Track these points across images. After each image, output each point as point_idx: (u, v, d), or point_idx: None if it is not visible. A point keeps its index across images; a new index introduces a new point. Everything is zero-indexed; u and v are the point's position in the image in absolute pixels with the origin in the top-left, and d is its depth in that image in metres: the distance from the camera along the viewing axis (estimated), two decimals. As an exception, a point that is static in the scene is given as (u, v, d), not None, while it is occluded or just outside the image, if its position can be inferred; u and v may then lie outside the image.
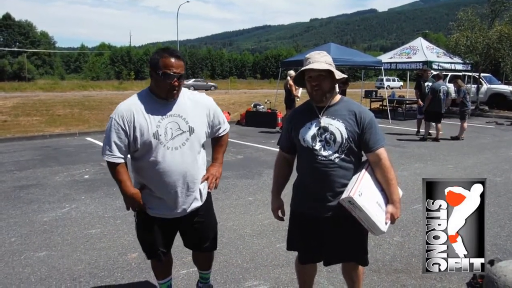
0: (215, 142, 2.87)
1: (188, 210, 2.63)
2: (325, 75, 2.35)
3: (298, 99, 12.01)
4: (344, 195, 2.31)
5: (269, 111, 14.35)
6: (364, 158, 2.52)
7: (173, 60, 2.40)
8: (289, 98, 12.00)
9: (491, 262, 3.16)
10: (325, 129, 2.39)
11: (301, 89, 10.93)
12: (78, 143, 10.57)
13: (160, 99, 2.50)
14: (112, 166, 2.50)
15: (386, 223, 2.38)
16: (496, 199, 5.74)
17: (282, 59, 31.78)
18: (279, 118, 13.51)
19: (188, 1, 42.63)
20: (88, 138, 11.24)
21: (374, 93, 20.48)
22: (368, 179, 2.39)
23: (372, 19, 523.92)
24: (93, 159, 8.40)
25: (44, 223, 4.80)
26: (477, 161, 8.52)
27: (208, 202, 2.81)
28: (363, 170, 2.41)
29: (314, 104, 2.46)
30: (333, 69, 2.37)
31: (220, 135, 2.83)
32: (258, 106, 15.37)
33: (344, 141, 2.36)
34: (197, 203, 2.67)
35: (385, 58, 18.61)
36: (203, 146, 2.68)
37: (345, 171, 2.40)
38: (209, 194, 2.80)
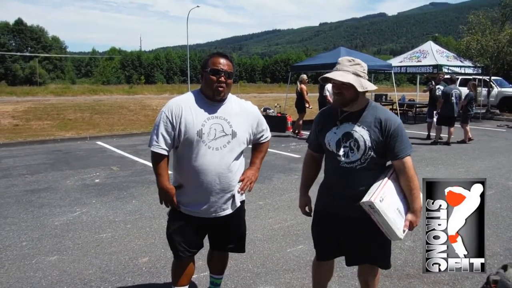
0: (256, 148, 2.93)
1: (221, 213, 2.68)
2: (349, 85, 2.30)
3: (310, 107, 12.02)
4: (365, 199, 2.31)
5: (279, 115, 14.33)
6: (388, 163, 2.51)
7: (221, 59, 2.58)
8: (301, 102, 11.99)
9: (505, 267, 3.11)
10: (350, 136, 2.38)
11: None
12: (88, 147, 10.64)
13: (209, 100, 2.61)
14: (156, 157, 2.59)
15: (404, 231, 2.38)
16: (509, 204, 5.66)
17: (292, 63, 31.80)
18: (289, 122, 13.52)
19: (198, 6, 42.73)
20: (99, 142, 11.30)
21: (384, 96, 20.41)
22: (391, 185, 2.39)
23: (382, 23, 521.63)
24: (104, 163, 8.46)
25: (55, 227, 4.83)
26: (489, 165, 8.44)
27: (242, 209, 2.86)
28: (387, 176, 2.41)
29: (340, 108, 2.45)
30: (357, 82, 2.30)
31: (261, 142, 2.91)
32: (268, 110, 15.37)
33: (367, 149, 2.36)
34: (231, 208, 2.71)
35: (395, 62, 18.58)
36: (242, 152, 2.74)
37: (368, 177, 2.40)
38: (242, 202, 2.83)
